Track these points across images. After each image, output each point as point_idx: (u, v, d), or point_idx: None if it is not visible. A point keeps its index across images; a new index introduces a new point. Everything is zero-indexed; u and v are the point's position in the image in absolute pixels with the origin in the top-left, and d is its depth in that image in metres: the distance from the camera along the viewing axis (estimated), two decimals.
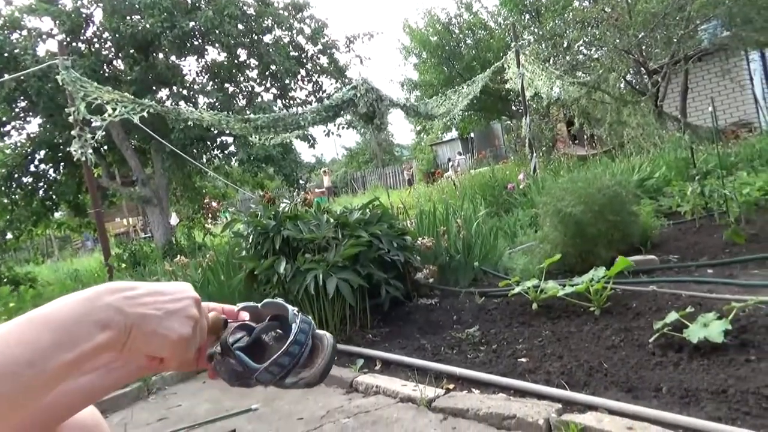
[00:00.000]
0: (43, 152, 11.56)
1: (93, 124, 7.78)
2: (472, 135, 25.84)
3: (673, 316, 2.79)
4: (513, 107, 17.69)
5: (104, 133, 6.97)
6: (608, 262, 4.24)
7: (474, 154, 23.59)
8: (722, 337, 2.48)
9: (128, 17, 11.01)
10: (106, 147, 11.41)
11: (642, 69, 13.72)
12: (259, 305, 0.91)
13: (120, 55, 11.40)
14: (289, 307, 0.87)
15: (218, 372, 0.83)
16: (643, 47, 13.03)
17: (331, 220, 3.87)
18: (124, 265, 7.27)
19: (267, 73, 12.03)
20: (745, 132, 13.32)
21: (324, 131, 9.48)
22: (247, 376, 0.80)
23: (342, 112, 9.26)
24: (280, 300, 0.91)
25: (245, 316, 0.92)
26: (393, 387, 2.71)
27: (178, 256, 4.21)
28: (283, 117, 9.12)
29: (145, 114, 7.20)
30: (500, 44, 18.24)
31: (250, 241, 3.85)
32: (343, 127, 11.50)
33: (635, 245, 4.72)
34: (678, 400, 2.16)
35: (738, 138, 12.07)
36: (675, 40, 12.24)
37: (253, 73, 12.30)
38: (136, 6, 10.69)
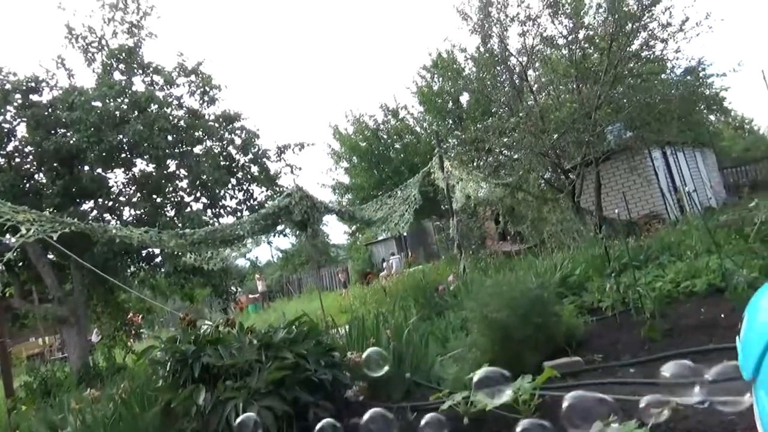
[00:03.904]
0: None
1: (6, 241, 7.42)
2: (405, 234, 26.37)
3: (598, 426, 2.80)
4: (442, 207, 18.31)
5: (18, 250, 6.62)
6: (537, 366, 4.28)
7: (408, 253, 23.96)
8: None
9: (53, 131, 10.90)
10: (21, 263, 10.82)
11: (558, 169, 14.66)
12: None
13: (42, 168, 11.14)
14: None
15: None
16: (558, 150, 14.01)
17: (254, 342, 3.75)
18: (23, 407, 6.42)
19: (197, 183, 12.01)
20: (656, 223, 14.27)
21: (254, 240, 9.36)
22: None
23: (279, 220, 9.28)
24: None
25: None
26: None
27: (89, 390, 3.90)
28: (222, 229, 9.03)
29: (67, 230, 6.98)
30: (427, 148, 19.16)
31: (168, 368, 3.64)
32: (275, 235, 11.47)
33: (561, 346, 4.79)
34: None
35: (650, 228, 12.90)
36: (586, 141, 13.29)
37: (183, 183, 12.26)
38: (63, 120, 10.63)
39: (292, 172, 13.04)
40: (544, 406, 3.49)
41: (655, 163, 16.63)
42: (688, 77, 15.86)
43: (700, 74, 16.13)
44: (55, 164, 10.95)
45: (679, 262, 6.94)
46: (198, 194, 12.27)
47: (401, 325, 5.25)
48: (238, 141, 12.83)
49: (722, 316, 4.81)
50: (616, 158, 15.94)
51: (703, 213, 11.27)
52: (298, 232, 10.17)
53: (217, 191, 12.07)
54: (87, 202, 11.44)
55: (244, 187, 12.69)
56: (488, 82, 15.60)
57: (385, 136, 21.69)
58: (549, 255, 9.14)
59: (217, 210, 12.21)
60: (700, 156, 20.09)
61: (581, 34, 13.99)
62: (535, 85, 15.41)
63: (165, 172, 12.01)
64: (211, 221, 11.43)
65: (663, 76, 15.45)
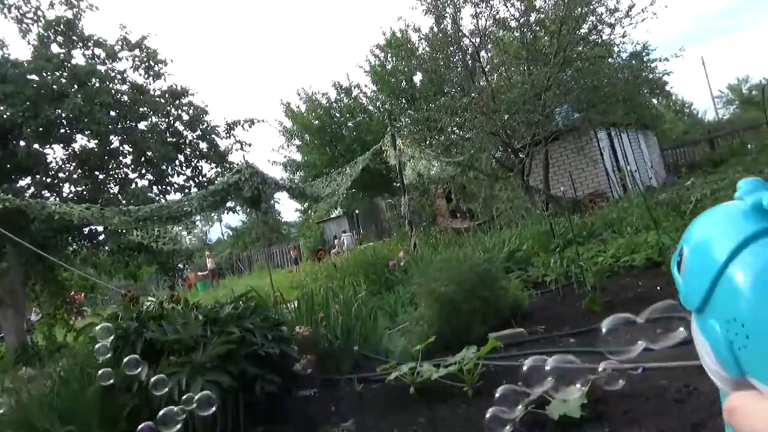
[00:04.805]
0: None
1: None
2: (357, 212, 26.40)
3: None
4: (394, 184, 18.38)
5: None
6: (483, 337, 4.38)
7: (360, 231, 24.01)
8: (580, 412, 2.61)
9: None
10: None
11: (509, 148, 14.94)
12: None
13: None
14: None
15: None
16: (508, 130, 14.25)
17: (200, 317, 3.68)
18: None
19: (142, 159, 11.60)
20: (600, 201, 14.76)
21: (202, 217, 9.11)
22: None
23: (229, 196, 9.09)
24: None
25: None
26: None
27: (24, 368, 3.76)
28: (168, 205, 8.76)
29: (0, 206, 6.69)
30: (379, 126, 19.08)
31: (109, 346, 3.54)
32: (225, 212, 11.24)
33: (506, 318, 4.92)
34: None
35: (595, 206, 13.34)
36: (535, 121, 13.56)
37: (127, 160, 11.80)
38: None
39: (242, 148, 12.77)
40: (488, 375, 3.59)
41: (601, 144, 17.13)
42: (633, 62, 16.39)
43: (645, 59, 16.68)
44: None
45: (620, 238, 7.21)
46: (143, 171, 11.84)
47: (351, 299, 5.27)
48: (185, 117, 12.42)
49: (659, 288, 5.04)
50: (564, 139, 16.35)
51: (644, 192, 11.70)
52: (248, 209, 10.01)
53: (164, 168, 11.69)
54: (23, 178, 10.88)
55: (193, 164, 12.34)
56: (441, 62, 15.66)
57: (337, 114, 21.48)
58: (498, 231, 9.32)
59: (164, 187, 11.84)
60: (643, 137, 20.80)
61: (532, 17, 14.20)
62: (488, 66, 15.57)
63: (108, 148, 11.53)
64: (157, 198, 11.10)
65: (610, 60, 15.90)
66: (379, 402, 3.59)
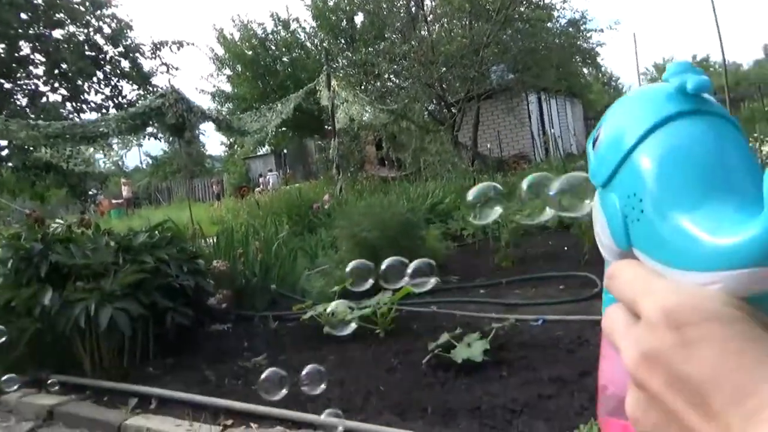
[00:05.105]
0: None
1: None
2: (285, 151, 25.92)
3: (444, 337, 3.05)
4: (326, 127, 18.11)
5: None
6: None
7: (287, 171, 23.66)
8: (482, 357, 2.77)
9: None
10: None
11: (442, 102, 15.03)
12: None
13: None
14: None
15: None
16: (444, 83, 14.30)
17: (112, 244, 3.55)
18: None
19: (56, 71, 10.76)
20: (524, 162, 15.28)
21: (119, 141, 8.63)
22: None
23: (150, 121, 8.63)
24: None
25: None
26: (165, 428, 2.55)
27: None
28: (82, 124, 8.22)
29: None
30: (315, 65, 18.51)
31: (9, 266, 3.36)
32: (145, 138, 10.71)
33: None
34: (440, 419, 2.35)
35: (518, 166, 13.81)
36: (471, 77, 13.68)
37: (39, 71, 10.92)
38: None
39: (168, 71, 12.13)
40: (400, 319, 3.72)
41: (530, 107, 17.58)
42: (570, 29, 16.71)
43: (581, 27, 17.04)
44: None
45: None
46: (56, 84, 11.02)
47: (272, 238, 5.24)
48: (107, 30, 11.57)
49: (565, 248, 5.35)
50: (496, 98, 16.62)
51: (564, 157, 12.23)
52: (171, 138, 9.59)
53: (80, 83, 10.92)
54: None
55: (112, 83, 11.60)
56: (384, 5, 15.33)
57: (273, 48, 20.65)
58: (423, 183, 9.48)
59: (79, 104, 11.09)
60: (570, 105, 21.53)
61: None
62: (430, 16, 15.39)
63: (17, 54, 10.59)
64: (71, 115, 10.40)
65: (548, 24, 16.12)
66: (293, 340, 3.66)
